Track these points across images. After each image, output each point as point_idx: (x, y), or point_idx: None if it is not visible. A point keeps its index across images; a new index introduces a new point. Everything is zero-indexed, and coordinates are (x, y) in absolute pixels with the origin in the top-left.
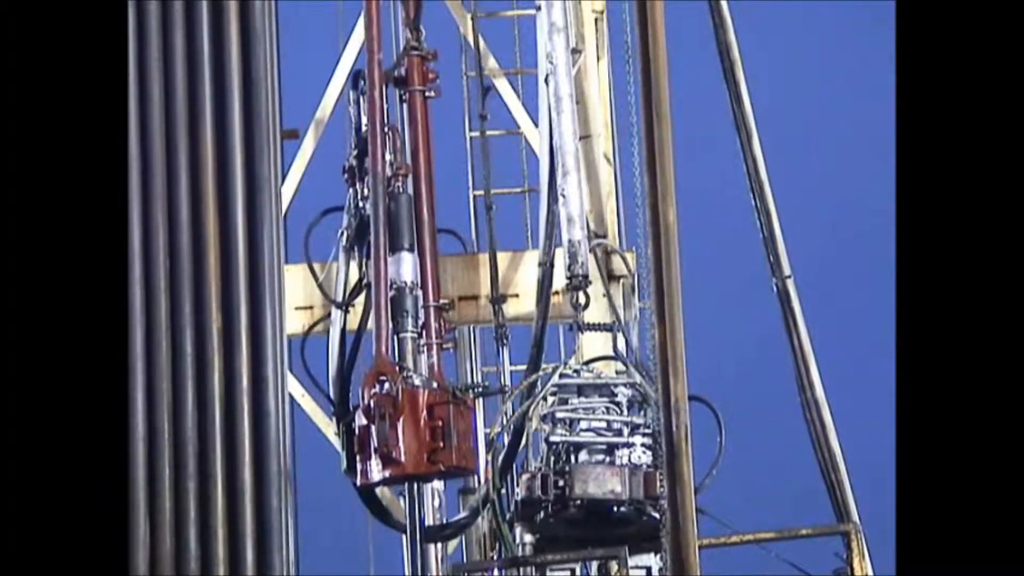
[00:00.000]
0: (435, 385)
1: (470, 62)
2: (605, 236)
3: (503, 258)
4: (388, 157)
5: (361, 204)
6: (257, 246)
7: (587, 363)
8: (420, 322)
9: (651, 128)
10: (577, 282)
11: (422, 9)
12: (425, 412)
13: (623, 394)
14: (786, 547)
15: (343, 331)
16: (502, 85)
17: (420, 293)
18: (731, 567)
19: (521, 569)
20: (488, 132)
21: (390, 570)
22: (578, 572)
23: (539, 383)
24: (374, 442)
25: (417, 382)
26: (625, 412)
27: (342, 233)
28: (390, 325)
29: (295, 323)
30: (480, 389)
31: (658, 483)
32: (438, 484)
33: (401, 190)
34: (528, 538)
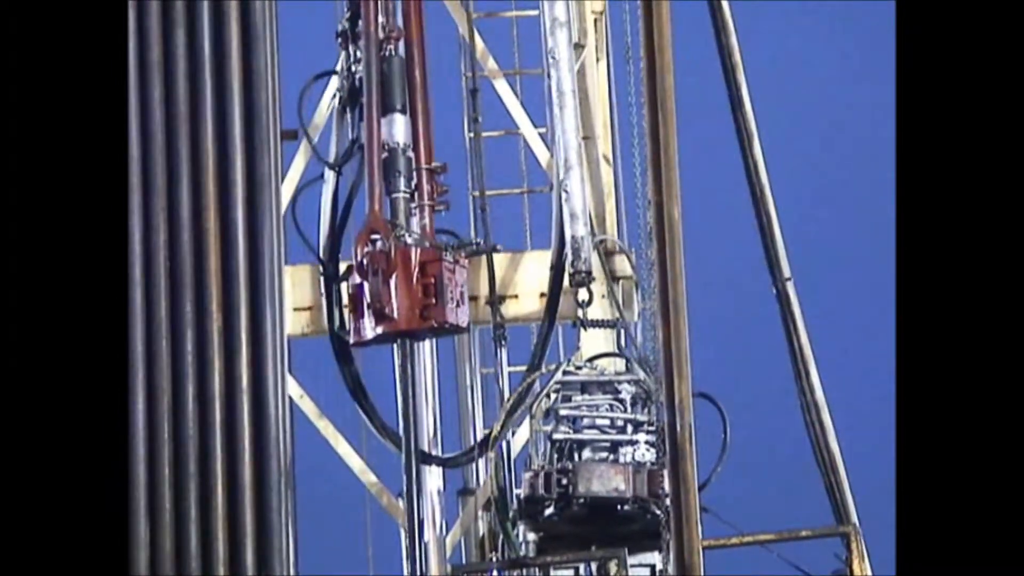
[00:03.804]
0: (427, 244)
1: (469, 62)
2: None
3: (502, 259)
4: (380, 20)
5: (353, 67)
6: (257, 247)
7: (590, 360)
8: (413, 183)
9: (656, 126)
10: (580, 278)
11: None
12: (417, 269)
13: (627, 391)
14: (786, 547)
15: (335, 192)
16: (501, 86)
17: (413, 155)
18: (732, 567)
19: (522, 569)
20: (486, 133)
21: (390, 570)
22: (581, 571)
23: (539, 381)
24: (367, 299)
25: (409, 240)
26: (629, 409)
27: (335, 96)
28: (383, 185)
29: (295, 323)
30: (472, 248)
31: (661, 481)
32: (436, 484)
33: (393, 53)
34: (531, 536)
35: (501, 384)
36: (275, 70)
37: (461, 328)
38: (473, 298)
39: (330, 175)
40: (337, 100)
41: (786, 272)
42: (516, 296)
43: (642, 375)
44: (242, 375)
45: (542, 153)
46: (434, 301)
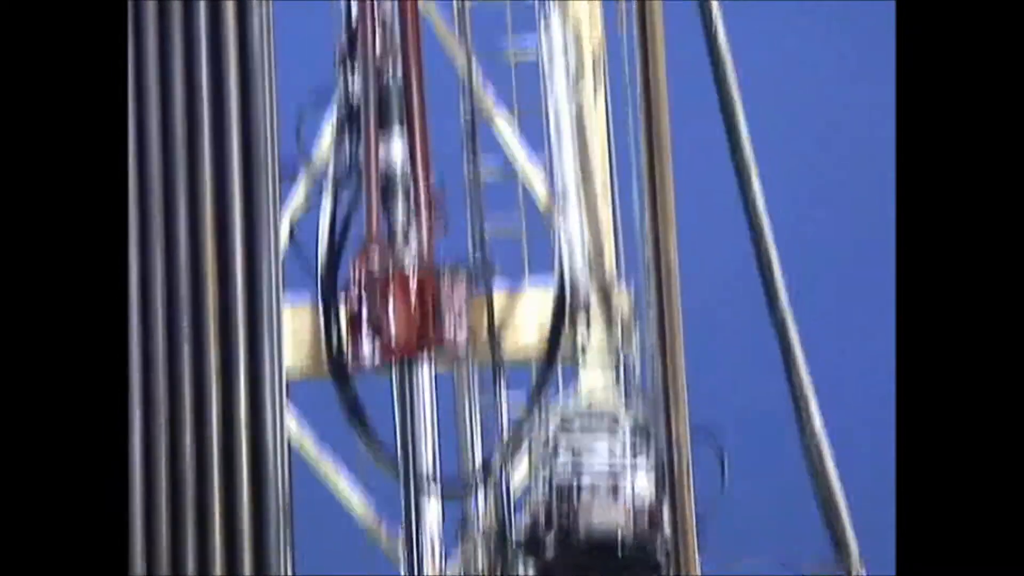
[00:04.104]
0: (425, 265)
1: (467, 100)
2: (605, 271)
3: (502, 296)
4: (378, 44)
5: (352, 90)
6: (256, 286)
7: (589, 395)
8: (411, 206)
9: (652, 163)
10: (578, 314)
11: None
12: (415, 289)
13: (625, 427)
14: None
15: (333, 213)
16: (500, 125)
17: (411, 177)
18: None
19: None
20: (485, 171)
21: None
22: None
23: (540, 416)
24: (365, 319)
25: (407, 261)
26: (627, 445)
27: (333, 119)
28: (381, 207)
29: (294, 364)
30: (470, 267)
31: (661, 515)
32: (435, 519)
33: (391, 76)
34: (531, 572)
35: (500, 420)
36: (273, 109)
37: (459, 348)
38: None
39: (328, 197)
40: (335, 123)
41: (784, 305)
42: (516, 333)
43: (640, 410)
44: (240, 415)
45: (541, 190)
46: (432, 321)
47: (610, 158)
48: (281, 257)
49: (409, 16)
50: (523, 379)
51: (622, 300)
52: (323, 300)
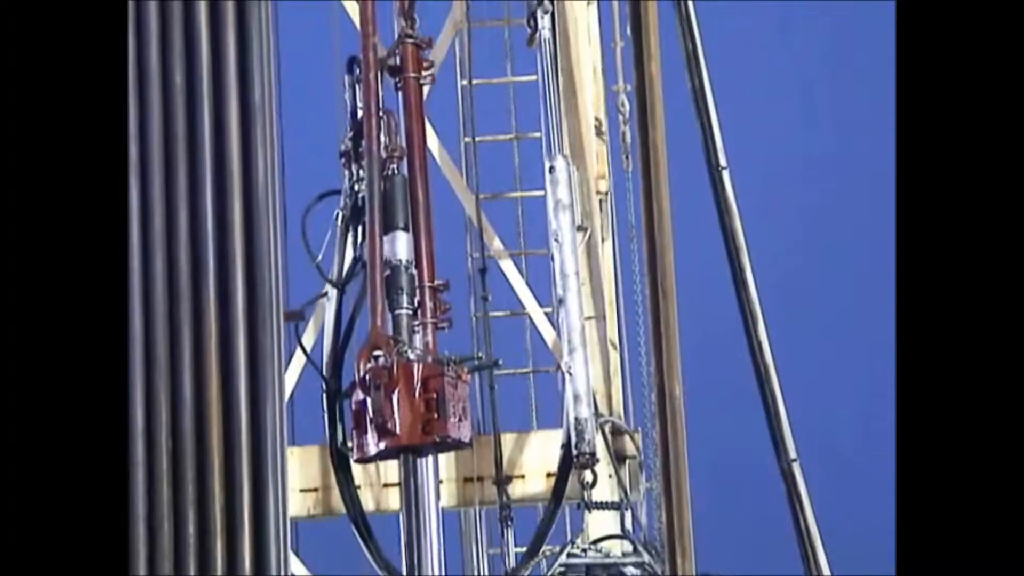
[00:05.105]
0: (429, 360)
1: (474, 243)
2: (612, 415)
3: (509, 439)
4: (383, 139)
5: (357, 186)
6: (260, 427)
7: (595, 542)
8: (416, 300)
9: (657, 306)
10: (584, 460)
11: None
12: (420, 384)
13: (632, 574)
14: None
15: (338, 310)
16: (507, 266)
17: (415, 272)
18: None
19: None
20: (492, 313)
21: None
22: None
23: (544, 563)
24: (369, 414)
25: (412, 356)
26: None
27: (338, 214)
28: (385, 302)
29: (301, 505)
30: (475, 363)
31: None
32: None
33: (396, 172)
34: None
35: (507, 566)
36: (278, 247)
37: (463, 443)
38: (480, 479)
39: (333, 293)
40: (340, 219)
41: (792, 453)
42: (523, 476)
43: (646, 557)
44: (244, 558)
45: (548, 333)
46: (436, 416)
47: (617, 299)
48: (285, 396)
49: (414, 111)
50: (529, 521)
51: (628, 445)
52: (328, 394)
